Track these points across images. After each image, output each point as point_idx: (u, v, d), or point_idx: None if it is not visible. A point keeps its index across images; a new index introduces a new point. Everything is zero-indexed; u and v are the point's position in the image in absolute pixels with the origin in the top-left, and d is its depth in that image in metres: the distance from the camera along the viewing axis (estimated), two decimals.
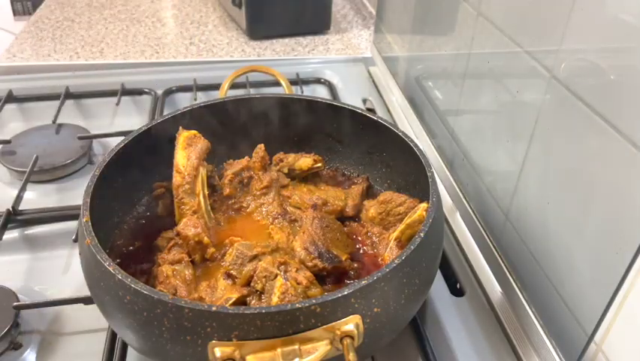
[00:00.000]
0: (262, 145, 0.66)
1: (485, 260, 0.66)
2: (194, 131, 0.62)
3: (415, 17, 0.86)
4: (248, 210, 0.64)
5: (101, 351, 0.54)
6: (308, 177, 0.69)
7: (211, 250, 0.56)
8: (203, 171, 0.61)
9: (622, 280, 0.42)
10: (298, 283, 0.50)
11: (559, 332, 0.52)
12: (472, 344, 0.58)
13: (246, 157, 0.66)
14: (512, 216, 0.59)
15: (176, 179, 0.59)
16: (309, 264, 0.54)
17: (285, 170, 0.67)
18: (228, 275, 0.54)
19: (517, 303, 0.58)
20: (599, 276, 0.45)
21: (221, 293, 0.51)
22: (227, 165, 0.67)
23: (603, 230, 0.45)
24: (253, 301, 0.50)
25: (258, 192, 0.64)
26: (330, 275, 0.55)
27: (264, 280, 0.51)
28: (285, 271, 0.51)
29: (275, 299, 0.48)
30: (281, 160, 0.68)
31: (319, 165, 0.68)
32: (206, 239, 0.55)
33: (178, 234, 0.56)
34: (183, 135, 0.61)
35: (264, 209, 0.63)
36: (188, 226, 0.56)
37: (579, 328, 0.48)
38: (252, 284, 0.51)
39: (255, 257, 0.54)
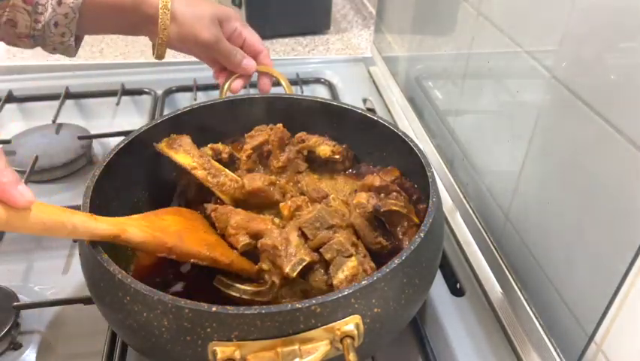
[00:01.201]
0: (281, 125, 0.66)
1: (485, 260, 0.66)
2: (165, 139, 0.62)
3: (415, 17, 0.86)
4: None
5: (100, 351, 0.54)
6: (328, 164, 0.68)
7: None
8: (209, 152, 0.63)
9: (622, 280, 0.42)
10: (364, 271, 0.50)
11: (559, 332, 0.52)
12: (472, 344, 0.58)
13: (268, 128, 0.66)
14: (512, 216, 0.59)
15: (199, 173, 0.59)
16: (374, 243, 0.55)
17: (305, 152, 0.67)
18: (302, 233, 0.53)
19: (517, 303, 0.58)
20: (599, 276, 0.45)
21: (294, 250, 0.50)
22: (248, 138, 0.66)
23: (603, 230, 0.45)
24: (317, 270, 0.50)
25: (275, 170, 0.65)
26: (382, 255, 0.55)
27: (336, 253, 0.50)
28: (356, 253, 0.51)
29: (341, 276, 0.48)
30: (302, 140, 0.67)
31: (337, 156, 0.66)
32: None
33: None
34: (163, 146, 0.61)
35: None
36: (254, 179, 0.59)
37: (579, 328, 0.48)
38: (321, 251, 0.51)
39: (332, 226, 0.53)
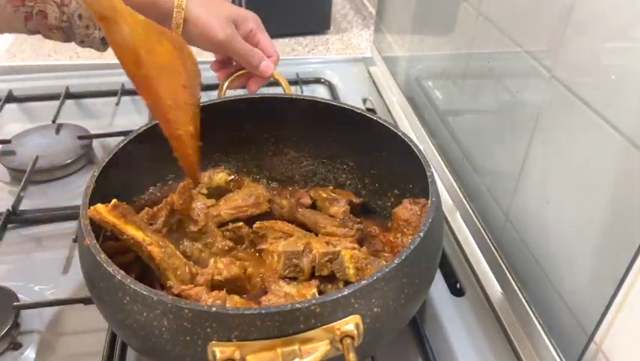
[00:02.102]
0: (184, 184, 0.57)
1: (485, 260, 0.66)
2: (101, 205, 0.50)
3: (415, 17, 0.86)
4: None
5: (101, 351, 0.54)
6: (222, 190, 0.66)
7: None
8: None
9: (622, 281, 0.42)
10: (361, 253, 0.50)
11: (559, 332, 0.52)
12: (472, 344, 0.58)
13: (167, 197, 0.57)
14: (512, 216, 0.59)
15: (154, 250, 0.50)
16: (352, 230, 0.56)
17: (204, 190, 0.64)
18: (289, 279, 0.52)
19: (517, 303, 0.58)
20: (599, 276, 0.45)
21: (299, 295, 0.50)
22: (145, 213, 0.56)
23: (603, 230, 0.45)
24: (329, 287, 0.51)
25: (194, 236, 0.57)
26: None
27: (328, 264, 0.50)
28: (339, 247, 0.51)
29: (352, 272, 0.49)
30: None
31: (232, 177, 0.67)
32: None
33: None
34: (102, 213, 0.49)
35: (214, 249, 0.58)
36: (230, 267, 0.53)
37: (579, 328, 0.48)
38: (316, 274, 0.51)
39: (304, 249, 0.52)
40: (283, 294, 0.50)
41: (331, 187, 0.69)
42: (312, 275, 0.52)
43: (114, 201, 0.50)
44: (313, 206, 0.66)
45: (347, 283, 0.51)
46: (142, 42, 0.47)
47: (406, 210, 0.58)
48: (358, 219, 0.63)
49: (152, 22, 0.49)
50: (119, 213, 0.49)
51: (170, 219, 0.55)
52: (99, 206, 0.48)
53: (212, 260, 0.54)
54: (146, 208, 0.56)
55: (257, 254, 0.59)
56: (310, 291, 0.50)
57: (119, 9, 0.45)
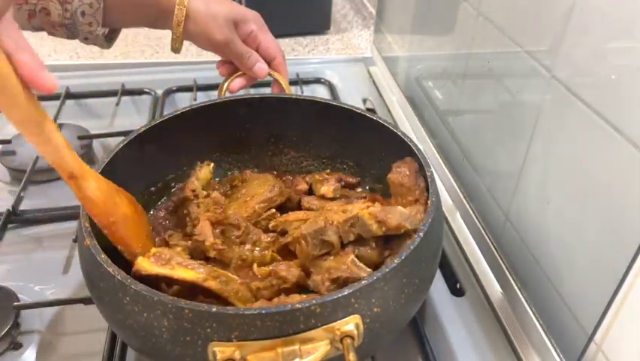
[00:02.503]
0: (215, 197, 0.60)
1: (485, 260, 0.66)
2: (141, 258, 0.49)
3: (415, 17, 0.86)
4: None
5: (101, 351, 0.54)
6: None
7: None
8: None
9: (622, 280, 0.43)
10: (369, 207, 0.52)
11: (559, 332, 0.52)
12: (472, 344, 0.58)
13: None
14: (512, 216, 0.60)
15: (211, 284, 0.50)
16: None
17: (204, 192, 0.64)
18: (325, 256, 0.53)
19: (517, 303, 0.58)
20: (599, 276, 0.45)
21: (340, 265, 0.51)
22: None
23: (603, 230, 0.45)
24: (363, 250, 0.52)
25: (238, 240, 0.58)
26: None
27: (352, 229, 0.52)
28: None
29: (375, 227, 0.51)
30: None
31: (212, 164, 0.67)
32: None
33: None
34: (147, 267, 0.48)
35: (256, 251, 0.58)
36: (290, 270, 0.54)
37: (579, 328, 0.48)
38: (344, 242, 0.52)
39: (325, 225, 0.53)
40: (326, 269, 0.51)
41: (328, 170, 0.70)
42: (342, 245, 0.53)
43: (153, 250, 0.50)
44: (311, 192, 0.67)
45: (377, 241, 0.53)
46: (108, 194, 0.50)
47: (397, 174, 0.58)
48: (361, 194, 0.64)
49: (109, 180, 0.52)
50: (161, 260, 0.49)
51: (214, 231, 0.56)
52: (140, 261, 0.48)
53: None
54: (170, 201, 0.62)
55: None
56: (348, 258, 0.50)
57: (85, 168, 0.47)
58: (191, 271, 0.49)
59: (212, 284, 0.49)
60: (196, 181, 0.64)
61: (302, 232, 0.53)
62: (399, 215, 0.51)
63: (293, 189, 0.67)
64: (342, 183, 0.66)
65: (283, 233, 0.59)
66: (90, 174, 0.48)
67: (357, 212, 0.52)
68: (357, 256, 0.51)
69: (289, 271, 0.53)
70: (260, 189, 0.64)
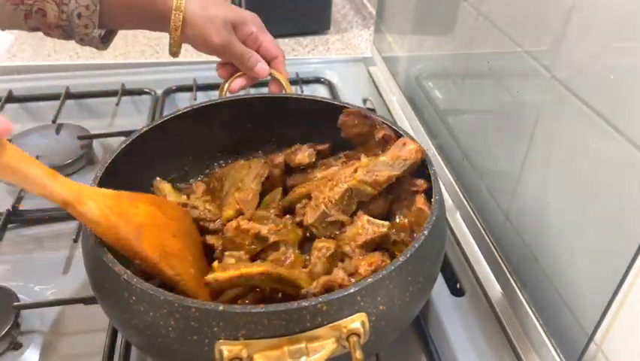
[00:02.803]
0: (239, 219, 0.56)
1: (485, 260, 0.66)
2: (212, 275, 0.48)
3: (415, 17, 0.87)
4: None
5: (101, 351, 0.54)
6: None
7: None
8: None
9: (622, 280, 0.43)
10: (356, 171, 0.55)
11: (559, 332, 0.52)
12: (472, 344, 0.58)
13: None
14: (512, 216, 0.60)
15: (282, 271, 0.50)
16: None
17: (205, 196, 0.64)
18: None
19: (517, 303, 0.58)
20: (599, 276, 0.45)
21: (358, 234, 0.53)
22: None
23: (603, 230, 0.45)
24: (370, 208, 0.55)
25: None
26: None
27: (351, 200, 0.55)
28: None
29: (370, 189, 0.54)
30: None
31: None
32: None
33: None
34: (219, 276, 0.48)
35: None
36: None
37: (579, 328, 0.48)
38: (349, 214, 0.55)
39: (325, 208, 0.55)
40: (349, 239, 0.53)
41: (298, 144, 0.69)
42: (351, 216, 0.55)
43: (215, 264, 0.50)
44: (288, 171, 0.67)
45: (385, 198, 0.56)
46: (113, 210, 0.47)
47: (348, 127, 0.62)
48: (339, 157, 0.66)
49: (121, 192, 0.50)
50: (232, 266, 0.49)
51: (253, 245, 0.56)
52: (214, 276, 0.46)
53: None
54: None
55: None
56: (363, 220, 0.53)
57: (79, 192, 0.45)
58: (261, 267, 0.49)
59: (281, 271, 0.50)
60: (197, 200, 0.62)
61: (309, 222, 0.55)
62: (383, 167, 0.54)
63: (271, 164, 0.67)
64: (315, 151, 0.67)
65: (292, 212, 0.61)
66: (86, 196, 0.45)
67: (348, 183, 0.54)
68: (368, 215, 0.54)
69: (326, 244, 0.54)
70: (241, 173, 0.64)
